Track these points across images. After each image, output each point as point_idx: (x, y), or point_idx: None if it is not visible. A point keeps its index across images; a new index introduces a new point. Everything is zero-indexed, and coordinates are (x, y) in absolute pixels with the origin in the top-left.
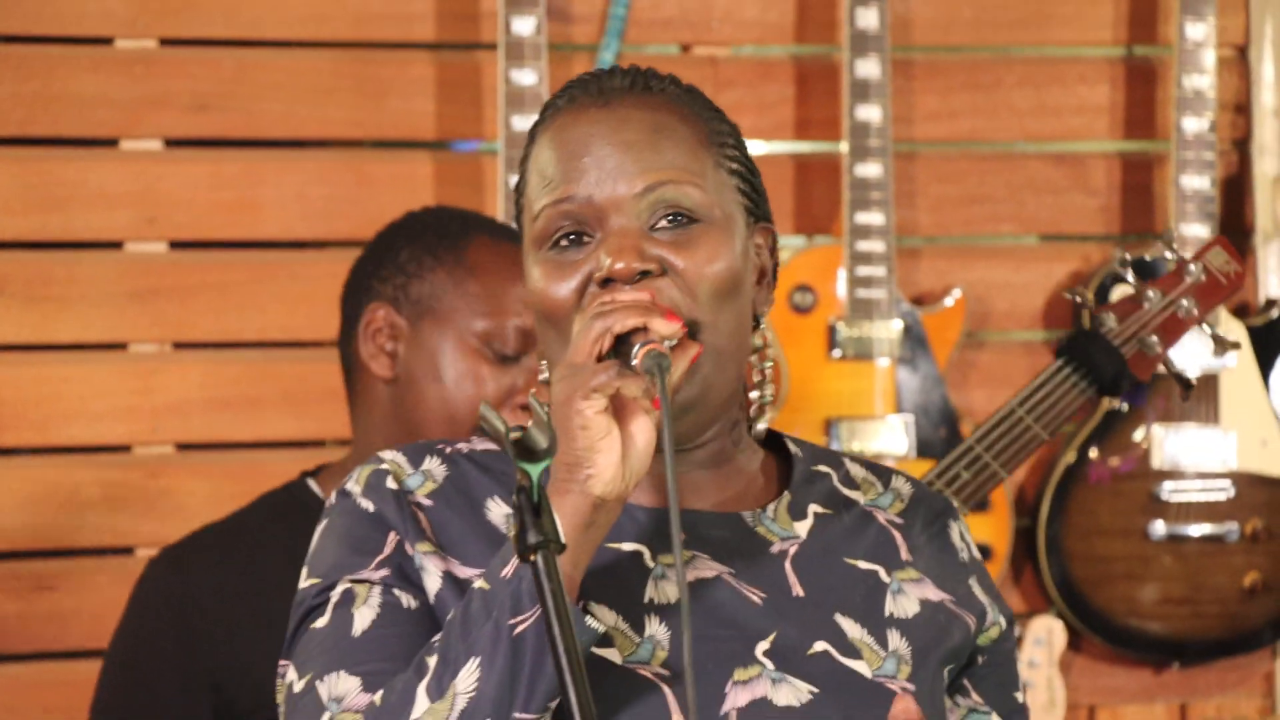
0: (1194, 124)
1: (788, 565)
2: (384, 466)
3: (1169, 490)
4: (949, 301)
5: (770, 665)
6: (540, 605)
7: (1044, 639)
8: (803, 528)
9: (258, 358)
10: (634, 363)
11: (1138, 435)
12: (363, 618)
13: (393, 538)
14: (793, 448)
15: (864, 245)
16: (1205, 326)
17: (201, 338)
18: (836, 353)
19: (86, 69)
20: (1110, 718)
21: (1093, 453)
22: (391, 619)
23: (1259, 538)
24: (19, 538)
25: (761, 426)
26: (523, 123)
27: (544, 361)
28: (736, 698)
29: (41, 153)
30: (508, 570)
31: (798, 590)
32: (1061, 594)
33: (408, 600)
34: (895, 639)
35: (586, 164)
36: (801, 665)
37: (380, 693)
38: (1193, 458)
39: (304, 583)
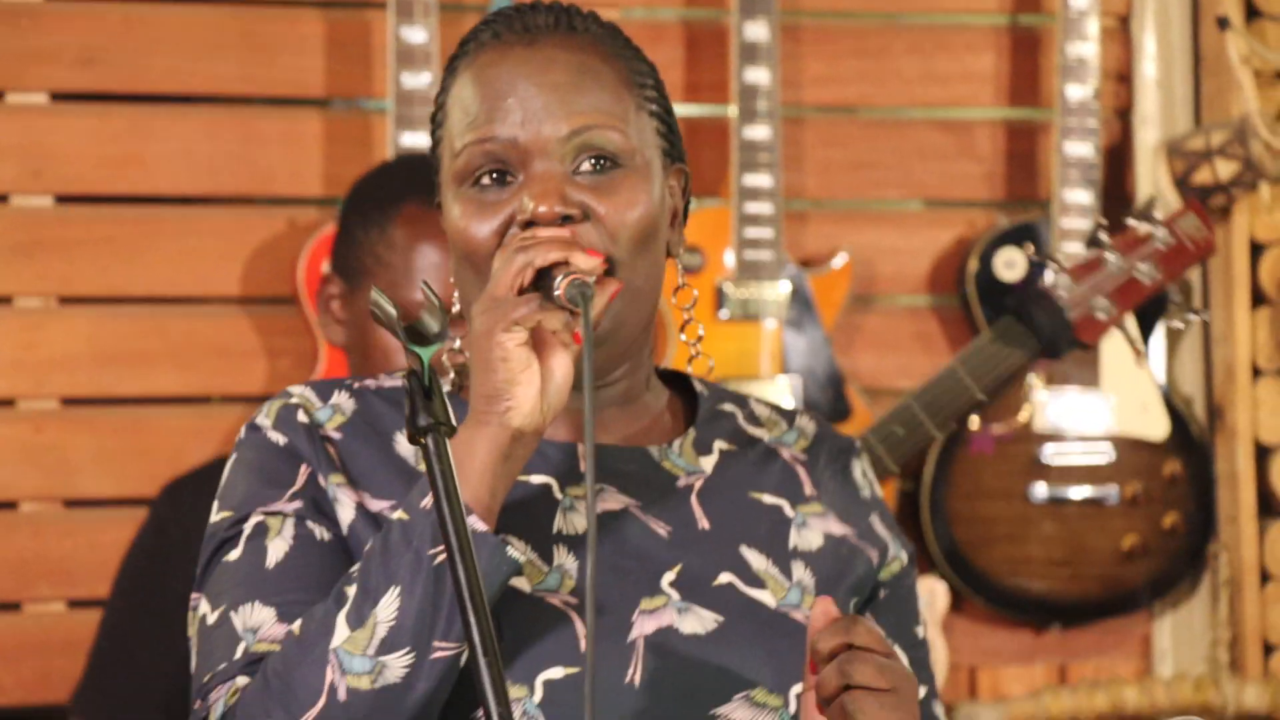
0: (1077, 91)
1: (694, 499)
2: (293, 400)
3: (1050, 453)
4: (836, 264)
5: (676, 595)
6: (430, 486)
7: (926, 600)
8: (708, 463)
9: (144, 313)
10: (556, 293)
11: (1017, 401)
12: (276, 549)
13: (304, 470)
14: (699, 387)
15: (752, 207)
16: (1171, 291)
17: (88, 292)
18: (724, 313)
19: None
20: (991, 679)
21: (974, 420)
22: (305, 550)
23: (1138, 501)
24: None
25: (711, 365)
26: (413, 80)
27: (457, 296)
28: (643, 626)
29: None
30: (427, 500)
31: (703, 523)
32: (945, 556)
33: (320, 532)
34: (799, 570)
35: (511, 104)
36: (707, 595)
37: (298, 622)
38: (1074, 421)
39: (215, 516)
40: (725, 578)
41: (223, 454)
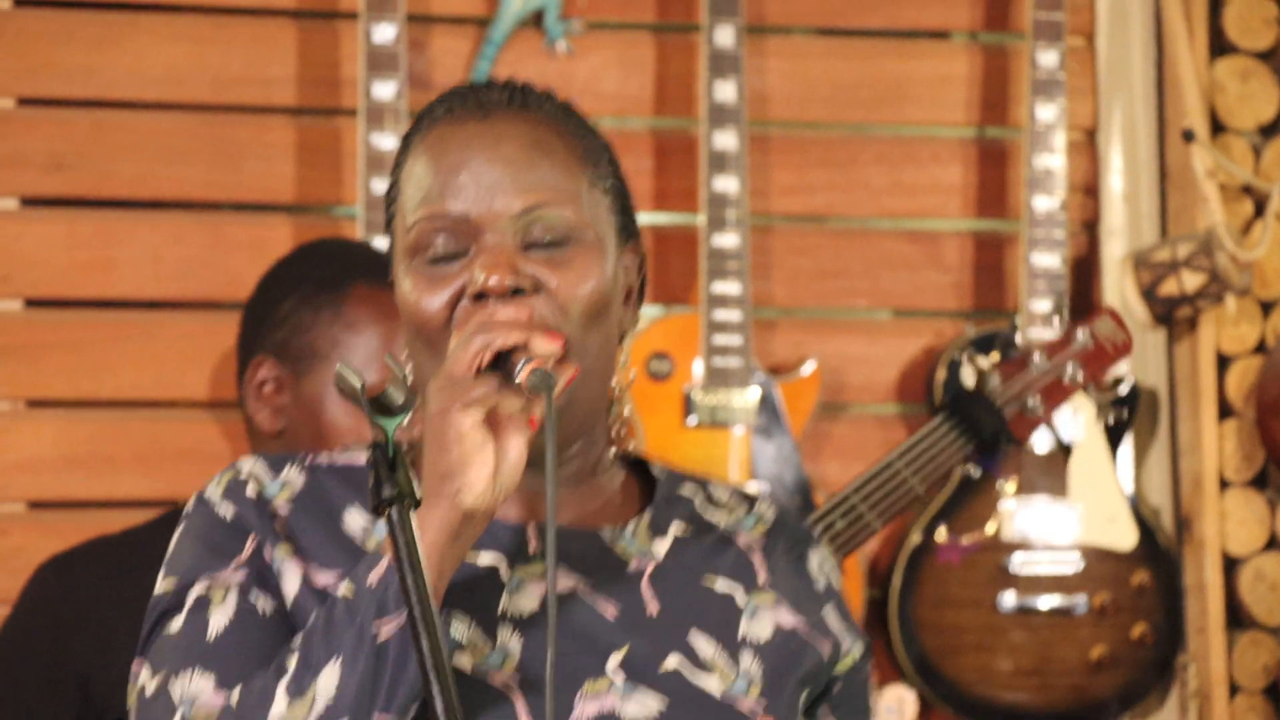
0: (1044, 202)
1: (644, 583)
2: (242, 476)
3: (1019, 562)
4: (805, 371)
5: (620, 679)
6: (394, 558)
7: (895, 708)
8: (661, 547)
9: (111, 417)
10: (518, 380)
11: (988, 509)
12: (218, 620)
13: (250, 542)
14: (655, 471)
15: (721, 314)
16: (1091, 391)
17: (55, 396)
18: (693, 420)
19: None
20: None
21: (942, 531)
22: (247, 622)
23: (1107, 611)
24: None
25: (632, 445)
26: (383, 187)
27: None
28: (584, 709)
29: None
30: (373, 576)
31: (653, 608)
32: (913, 664)
33: (264, 605)
34: (748, 660)
35: (464, 180)
36: (653, 680)
37: (236, 691)
38: (1042, 530)
39: (160, 586)
40: (672, 662)
41: (108, 535)
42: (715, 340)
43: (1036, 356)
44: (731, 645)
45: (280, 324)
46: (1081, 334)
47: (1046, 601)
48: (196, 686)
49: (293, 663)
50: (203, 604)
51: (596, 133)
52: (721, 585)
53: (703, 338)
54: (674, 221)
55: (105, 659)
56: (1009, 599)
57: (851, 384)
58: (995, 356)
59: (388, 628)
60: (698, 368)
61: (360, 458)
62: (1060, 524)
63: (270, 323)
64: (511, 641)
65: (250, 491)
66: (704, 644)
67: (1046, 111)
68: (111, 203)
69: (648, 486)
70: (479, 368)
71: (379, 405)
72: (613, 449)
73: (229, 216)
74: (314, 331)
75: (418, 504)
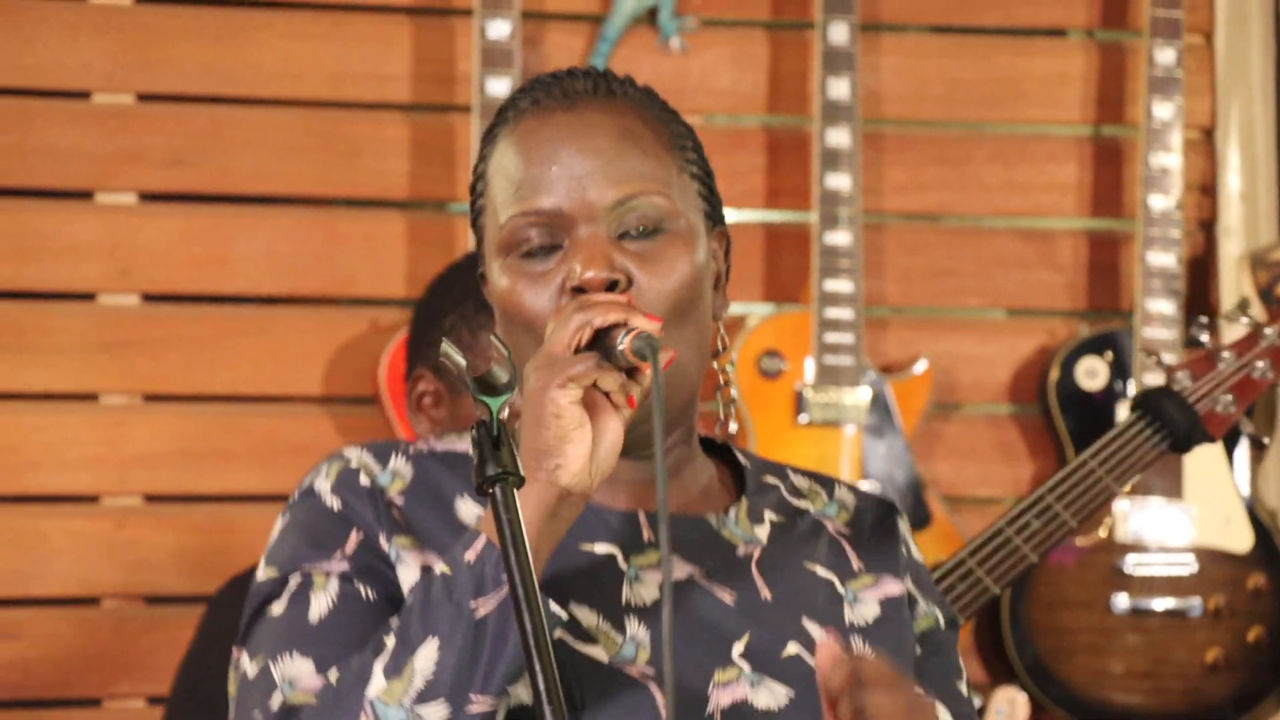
0: (1160, 202)
1: (754, 568)
2: (353, 465)
3: (1132, 564)
4: (916, 370)
5: (747, 667)
6: (499, 536)
7: (1005, 710)
8: (762, 533)
9: (226, 411)
10: (621, 348)
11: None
12: (319, 604)
13: (356, 534)
14: (741, 458)
15: (832, 312)
16: None
17: (171, 390)
18: (804, 418)
19: (63, 122)
20: None
21: None
22: (349, 608)
23: (1221, 614)
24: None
25: (734, 428)
26: None
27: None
28: (719, 699)
29: (17, 204)
30: (470, 554)
31: (765, 593)
32: (1025, 666)
33: (367, 592)
34: (858, 645)
35: (556, 173)
36: (776, 667)
37: (334, 672)
38: (1156, 532)
39: (261, 575)
40: (792, 649)
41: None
42: (827, 338)
43: (1225, 354)
44: (841, 631)
45: (440, 339)
46: (1270, 331)
47: (1161, 604)
48: (297, 668)
49: (390, 641)
50: (304, 590)
51: (680, 118)
52: (822, 571)
53: (814, 336)
54: (786, 219)
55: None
56: (1122, 601)
57: (963, 383)
58: (1108, 357)
59: (485, 606)
60: (809, 366)
61: (461, 444)
62: (1175, 525)
63: (431, 336)
64: (640, 632)
65: (363, 481)
66: (817, 630)
67: (1163, 110)
68: (228, 198)
69: (735, 474)
70: (578, 346)
71: (484, 384)
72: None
73: (343, 212)
74: (472, 352)
75: (521, 482)
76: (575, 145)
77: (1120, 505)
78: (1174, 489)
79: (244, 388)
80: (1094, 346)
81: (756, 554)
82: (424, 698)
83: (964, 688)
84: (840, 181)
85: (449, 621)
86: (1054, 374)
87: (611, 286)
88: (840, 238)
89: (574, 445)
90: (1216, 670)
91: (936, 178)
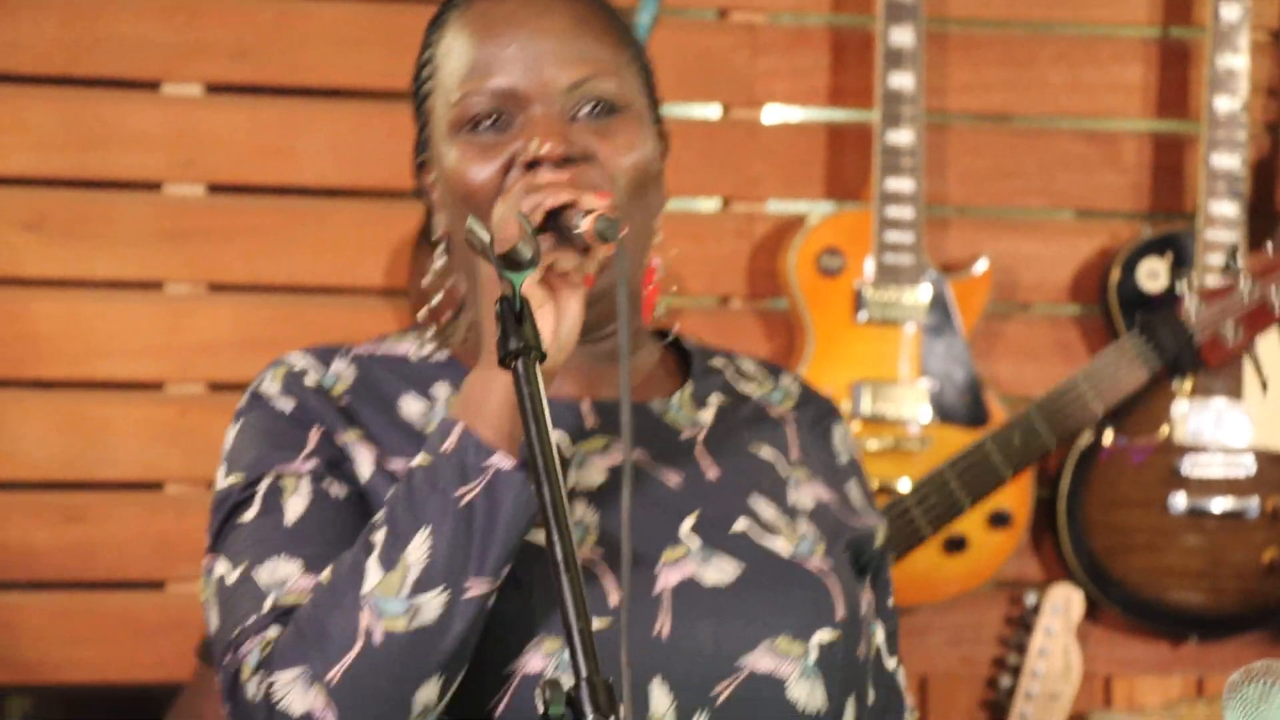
0: (1226, 103)
1: (698, 450)
2: (297, 368)
3: (1190, 464)
4: (977, 270)
5: (695, 544)
6: (520, 409)
7: (1061, 607)
8: (706, 416)
9: (288, 302)
10: (580, 230)
11: (1161, 411)
12: (294, 506)
13: (316, 431)
14: (687, 344)
15: (893, 211)
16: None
17: (235, 280)
18: (863, 316)
19: (131, 13)
20: (1126, 689)
21: (1109, 433)
22: (323, 506)
23: (1279, 515)
24: (51, 469)
25: (677, 327)
26: None
27: (443, 245)
28: (667, 578)
29: (84, 93)
30: (448, 444)
31: (711, 474)
32: (1080, 564)
33: (337, 489)
34: (803, 524)
35: (512, 52)
36: (725, 544)
37: (327, 571)
38: (1215, 433)
39: (223, 481)
40: (740, 525)
41: None
42: (887, 237)
43: (1243, 283)
44: (787, 510)
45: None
46: None
47: (1218, 504)
48: (284, 571)
49: (380, 536)
50: (275, 493)
51: (622, 16)
52: (765, 453)
53: (875, 234)
54: (849, 118)
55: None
56: (1180, 501)
57: (1024, 284)
58: (1170, 259)
59: (471, 492)
60: (869, 264)
61: (400, 346)
62: (1234, 427)
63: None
64: (587, 516)
65: (309, 381)
66: (764, 507)
67: (1231, 11)
68: (293, 90)
69: (681, 360)
70: (535, 228)
71: (508, 260)
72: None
73: (407, 106)
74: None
75: (543, 356)
76: (531, 26)
77: (1180, 406)
78: (1234, 390)
79: (306, 278)
80: (1156, 248)
81: (701, 436)
82: (421, 587)
83: (891, 603)
84: (903, 81)
85: (437, 511)
86: (1115, 275)
87: (566, 163)
88: (902, 137)
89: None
90: (1273, 570)
91: (1001, 78)
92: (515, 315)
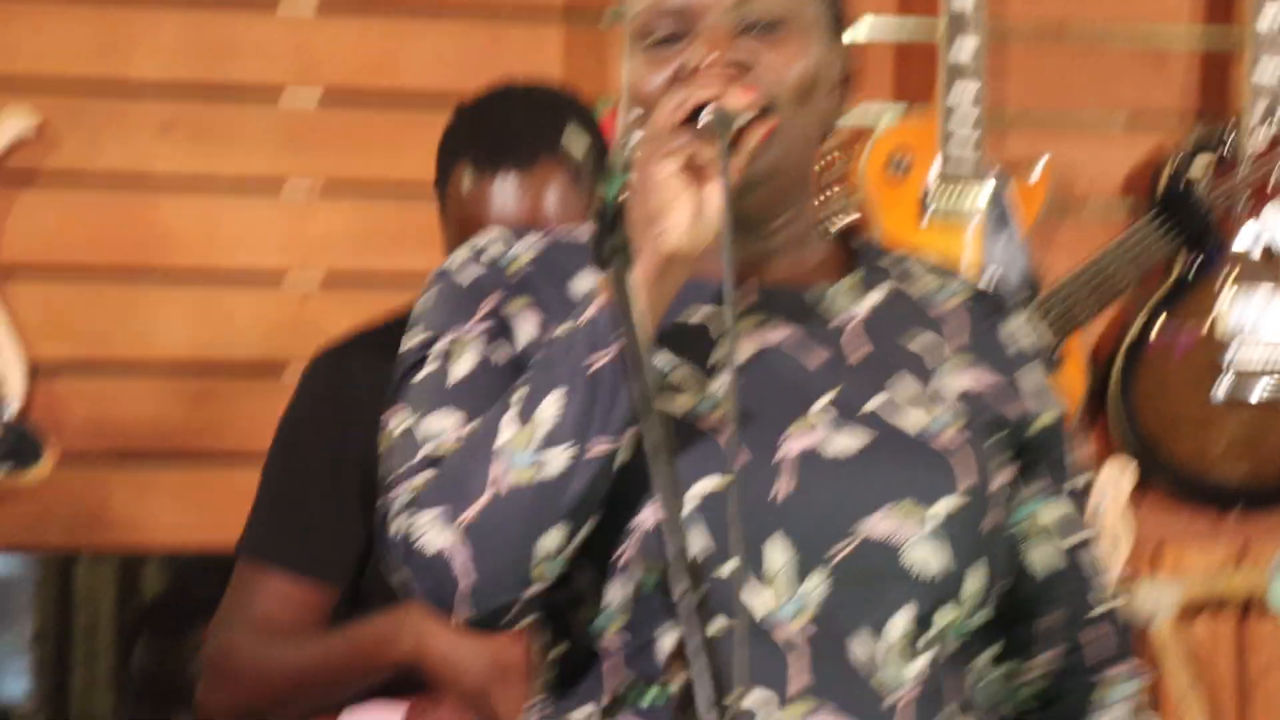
0: (1272, 13)
1: (846, 336)
2: (480, 244)
3: (1234, 353)
4: (1036, 171)
5: (824, 420)
6: (612, 305)
7: (1113, 479)
8: (862, 307)
9: (396, 200)
10: (700, 123)
11: (1207, 302)
12: (460, 367)
13: (487, 302)
14: (861, 241)
15: (958, 115)
16: None
17: (347, 180)
18: (928, 216)
19: None
20: (1175, 556)
21: (1162, 318)
22: (486, 368)
23: None
24: (181, 353)
25: (850, 218)
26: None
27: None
28: (788, 448)
29: (209, 10)
30: (587, 314)
31: (855, 357)
32: (1130, 448)
33: (500, 355)
34: (941, 406)
35: None
36: (855, 420)
37: (472, 425)
38: (1257, 324)
39: (407, 344)
40: (872, 404)
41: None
42: (952, 140)
43: (1245, 162)
44: (926, 393)
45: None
46: None
47: (1259, 391)
48: (440, 424)
49: (518, 395)
50: (445, 355)
51: None
52: (917, 344)
53: (940, 138)
54: (917, 26)
55: (378, 439)
56: (1223, 389)
57: (1082, 181)
58: (1208, 158)
59: (600, 359)
60: (934, 167)
61: (584, 235)
62: (1274, 319)
63: (445, 184)
64: (721, 389)
65: (488, 257)
66: (901, 389)
67: None
68: (399, 6)
69: (851, 257)
70: (681, 121)
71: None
72: (821, 220)
73: (506, 20)
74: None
75: (629, 259)
76: None
77: (1224, 299)
78: (1275, 285)
79: (413, 178)
80: (1203, 148)
81: (852, 324)
82: (548, 443)
83: (1076, 484)
84: None
85: (569, 374)
86: (1165, 174)
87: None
88: (967, 45)
89: (674, 213)
90: None
91: None
92: (609, 221)
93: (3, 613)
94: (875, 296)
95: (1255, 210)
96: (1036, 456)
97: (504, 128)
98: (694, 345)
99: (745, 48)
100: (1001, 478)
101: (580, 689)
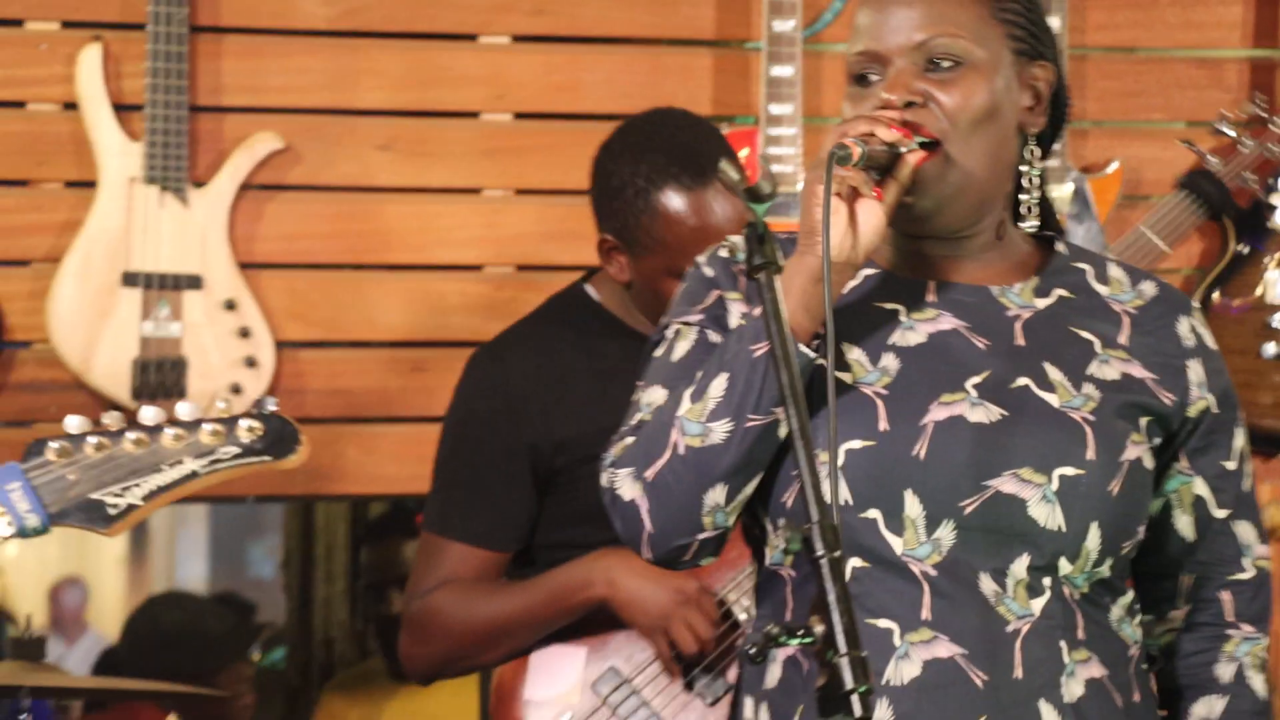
0: None
1: (1017, 326)
2: (724, 244)
3: (1279, 320)
4: (1110, 169)
5: (974, 394)
6: (762, 310)
7: None
8: (1042, 303)
9: (578, 203)
10: (825, 152)
11: (1255, 278)
12: (680, 349)
13: (714, 294)
14: (1060, 247)
15: None
16: None
17: (536, 186)
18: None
19: None
20: None
21: (1216, 294)
22: (699, 350)
23: None
24: (400, 332)
25: (1028, 226)
26: (781, 25)
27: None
28: (936, 414)
29: (420, 44)
30: (755, 312)
31: (1019, 342)
32: None
33: (714, 338)
34: (1089, 388)
35: (879, 20)
36: (1000, 395)
37: (669, 395)
38: None
39: (657, 329)
40: (1022, 381)
41: (523, 322)
42: None
43: (1245, 140)
44: (1078, 376)
45: (621, 206)
46: (1277, 121)
47: None
48: (655, 396)
49: (700, 373)
50: (674, 337)
51: None
52: (1086, 334)
53: None
54: None
55: (546, 426)
56: (1270, 349)
57: (1146, 179)
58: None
59: (761, 349)
60: None
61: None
62: None
63: (612, 204)
64: (891, 364)
65: (724, 253)
66: (1054, 371)
67: None
68: (578, 39)
69: (1047, 262)
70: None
71: (752, 194)
72: (1018, 225)
73: (665, 49)
74: (645, 206)
75: (779, 270)
76: (900, 2)
77: (1271, 274)
78: None
79: (588, 184)
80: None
81: (1027, 315)
82: (714, 416)
83: (1231, 465)
84: (1052, 21)
85: (734, 359)
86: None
87: (907, 106)
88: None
89: (831, 227)
90: None
91: (1128, 18)
92: (759, 238)
93: (260, 546)
94: (1059, 293)
95: (1262, 180)
96: (1192, 437)
97: (686, 147)
98: (879, 329)
99: (920, 89)
100: (1134, 452)
101: (764, 612)
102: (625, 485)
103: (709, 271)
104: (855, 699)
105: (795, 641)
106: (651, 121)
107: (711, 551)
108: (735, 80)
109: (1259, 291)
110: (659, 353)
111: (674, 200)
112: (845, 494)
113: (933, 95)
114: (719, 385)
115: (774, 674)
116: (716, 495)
